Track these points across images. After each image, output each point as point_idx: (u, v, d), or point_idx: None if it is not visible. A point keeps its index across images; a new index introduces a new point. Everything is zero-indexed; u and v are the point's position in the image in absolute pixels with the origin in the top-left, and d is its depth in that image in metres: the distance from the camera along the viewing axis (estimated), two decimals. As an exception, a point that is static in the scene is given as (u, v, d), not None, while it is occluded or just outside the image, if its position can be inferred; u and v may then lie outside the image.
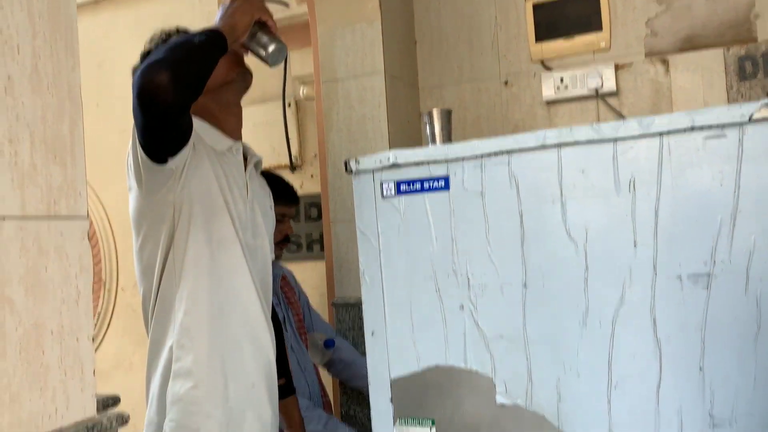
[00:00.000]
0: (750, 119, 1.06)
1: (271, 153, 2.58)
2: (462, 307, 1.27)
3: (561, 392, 1.19)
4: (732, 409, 1.09)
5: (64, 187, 0.76)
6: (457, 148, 1.27)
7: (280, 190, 2.00)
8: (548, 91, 2.10)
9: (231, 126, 1.47)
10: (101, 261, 3.00)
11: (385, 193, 1.33)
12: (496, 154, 1.24)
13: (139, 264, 1.39)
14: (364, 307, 1.36)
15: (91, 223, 3.04)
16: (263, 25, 1.41)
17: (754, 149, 1.07)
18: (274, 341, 1.46)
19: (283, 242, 1.99)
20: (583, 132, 1.17)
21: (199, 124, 1.36)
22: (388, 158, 1.32)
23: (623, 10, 2.05)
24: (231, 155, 1.43)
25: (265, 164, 2.39)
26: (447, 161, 1.28)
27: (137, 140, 1.26)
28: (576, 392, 1.18)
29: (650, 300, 1.13)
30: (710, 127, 1.09)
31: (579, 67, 2.08)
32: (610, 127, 1.16)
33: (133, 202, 1.36)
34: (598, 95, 2.04)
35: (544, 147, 1.20)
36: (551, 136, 1.19)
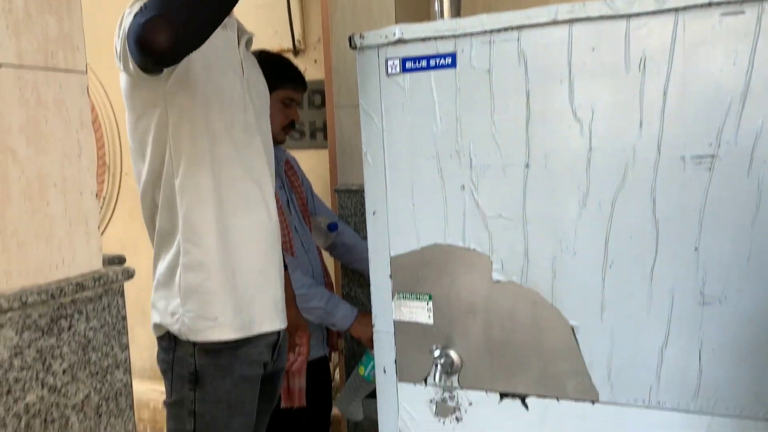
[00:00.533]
0: (771, -5, 1.02)
1: (273, 36, 2.52)
2: (463, 187, 1.27)
3: (556, 270, 1.22)
4: (723, 288, 1.11)
5: (60, 39, 0.74)
6: (466, 23, 1.23)
7: (289, 74, 1.96)
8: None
9: None
10: (105, 145, 3.00)
11: (389, 70, 1.30)
12: (505, 29, 1.20)
13: (133, 142, 1.38)
14: (365, 186, 1.37)
15: (93, 107, 3.01)
16: None
17: (772, 27, 1.03)
18: (278, 222, 1.47)
19: (288, 127, 1.97)
20: (596, 7, 1.13)
21: None
22: (394, 33, 1.28)
23: None
24: (222, 31, 1.38)
25: (267, 47, 2.33)
26: (455, 37, 1.24)
27: (129, 52, 1.19)
28: (571, 271, 1.21)
29: (652, 181, 1.13)
30: (728, 3, 1.05)
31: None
32: (624, 3, 1.11)
33: (124, 81, 1.33)
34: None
35: (555, 23, 1.16)
36: (563, 11, 1.15)
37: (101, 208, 3.13)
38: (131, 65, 1.22)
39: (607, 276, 1.18)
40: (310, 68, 2.52)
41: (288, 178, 2.03)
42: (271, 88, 1.89)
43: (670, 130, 1.11)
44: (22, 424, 0.68)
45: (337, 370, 2.55)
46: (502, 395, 1.30)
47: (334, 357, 2.38)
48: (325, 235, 2.05)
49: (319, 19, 2.26)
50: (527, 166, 1.21)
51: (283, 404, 1.90)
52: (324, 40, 2.17)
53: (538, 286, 1.24)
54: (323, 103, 2.46)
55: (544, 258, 1.23)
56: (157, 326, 1.41)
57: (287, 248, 1.88)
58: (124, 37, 1.19)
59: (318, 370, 2.04)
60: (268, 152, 1.48)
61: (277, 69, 1.91)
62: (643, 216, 1.15)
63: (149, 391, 2.89)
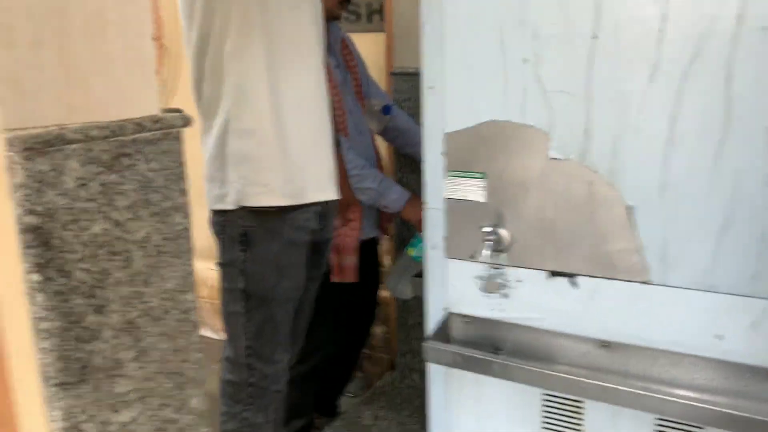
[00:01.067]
0: None
1: None
2: (525, 60, 1.22)
3: (617, 148, 1.18)
4: (794, 170, 1.06)
5: None
6: None
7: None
8: None
9: None
10: (162, 26, 2.99)
11: (452, -65, 1.23)
12: None
13: (182, 4, 1.36)
14: (422, 60, 1.33)
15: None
16: None
17: None
18: (326, 94, 1.46)
19: (345, 2, 1.91)
20: None
21: None
22: None
23: None
24: None
25: None
26: None
27: None
28: (633, 149, 1.17)
29: (729, 53, 1.06)
30: None
31: None
32: None
33: None
34: None
35: None
36: None
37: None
38: None
39: (670, 154, 1.14)
40: (369, -54, 2.41)
41: (344, 57, 1.99)
42: (329, -42, 1.82)
43: (755, -3, 1.03)
44: (89, 252, 0.71)
45: (387, 255, 2.61)
46: (551, 273, 1.30)
47: (384, 241, 2.43)
48: (379, 118, 2.03)
49: None
50: (595, 36, 1.15)
51: (334, 279, 1.96)
52: None
53: (597, 164, 1.20)
54: (381, -16, 2.37)
55: (605, 136, 1.19)
56: (210, 196, 1.45)
57: (341, 128, 1.88)
58: None
59: (369, 250, 2.08)
60: (317, 21, 1.44)
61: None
62: (715, 92, 1.08)
63: (207, 269, 3.02)
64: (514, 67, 1.23)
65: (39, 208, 0.67)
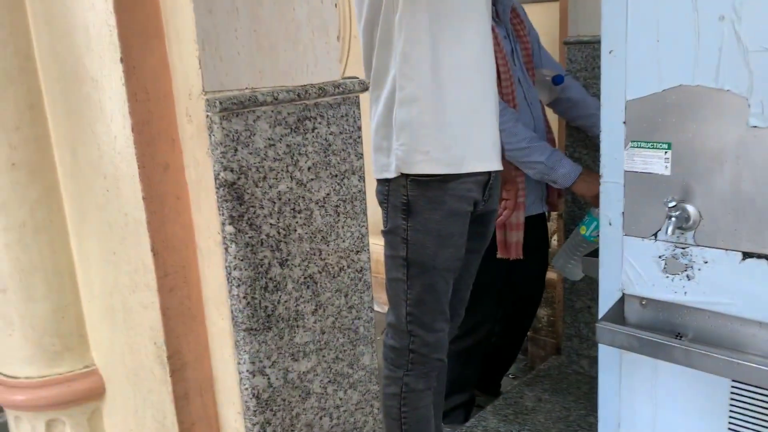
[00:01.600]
0: None
1: None
2: (722, 17, 1.11)
3: (834, 113, 1.03)
4: None
5: None
6: None
7: None
8: None
9: None
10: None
11: None
12: None
13: None
14: (602, 22, 1.26)
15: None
16: None
17: None
18: (493, 62, 1.43)
19: (514, -29, 1.86)
20: None
21: None
22: None
23: None
24: None
25: None
26: None
27: None
28: None
29: None
30: None
31: None
32: None
33: None
34: None
35: None
36: None
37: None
38: None
39: None
40: None
41: (513, 27, 1.94)
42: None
43: None
44: (276, 208, 0.76)
45: (555, 236, 2.52)
46: (746, 255, 1.17)
47: (553, 219, 2.35)
48: (550, 89, 1.95)
49: None
50: (810, -15, 1.01)
51: (499, 254, 1.93)
52: None
53: (807, 131, 1.06)
54: (556, -48, 2.26)
55: (818, 99, 1.04)
56: (377, 166, 1.49)
57: (509, 99, 1.83)
58: None
59: (536, 227, 2.03)
60: None
61: None
62: None
63: (372, 244, 3.11)
64: (708, 25, 1.12)
65: (234, 165, 0.72)
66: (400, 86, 1.37)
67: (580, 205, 2.13)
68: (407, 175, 1.42)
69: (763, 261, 1.16)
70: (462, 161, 1.42)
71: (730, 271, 1.20)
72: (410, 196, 1.42)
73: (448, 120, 1.39)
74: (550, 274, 2.35)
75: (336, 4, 0.80)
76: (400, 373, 1.54)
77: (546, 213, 2.11)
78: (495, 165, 1.47)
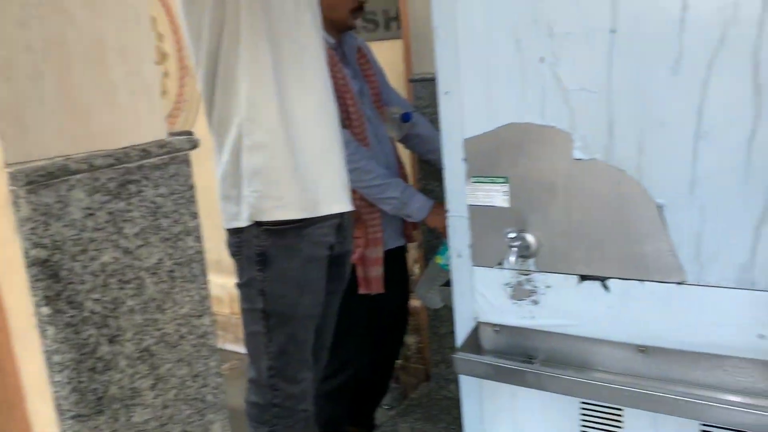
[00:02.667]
0: None
1: None
2: (542, 59, 1.19)
3: (643, 145, 1.13)
4: (833, 158, 1.00)
5: None
6: None
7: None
8: None
9: None
10: (183, 46, 3.03)
11: (461, -65, 1.21)
12: None
13: (189, 34, 1.35)
14: (437, 65, 1.31)
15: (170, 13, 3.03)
16: None
17: None
18: (335, 106, 1.44)
19: (358, 11, 1.89)
20: None
21: None
22: None
23: None
24: None
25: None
26: None
27: None
28: (659, 144, 1.12)
29: (755, 40, 1.01)
30: None
31: None
32: None
33: None
34: None
35: None
36: None
37: (182, 112, 3.20)
38: None
39: (699, 148, 1.09)
40: (383, -46, 2.40)
41: (360, 66, 1.98)
42: (338, -31, 1.81)
43: (780, -22, 0.98)
44: (99, 281, 0.71)
45: (416, 264, 2.58)
46: (582, 277, 1.26)
47: (412, 250, 2.40)
48: (399, 126, 2.01)
49: None
50: (613, 31, 1.11)
51: (361, 290, 1.94)
52: None
53: (623, 163, 1.16)
54: (397, -9, 2.35)
55: (630, 132, 1.14)
56: (225, 215, 1.45)
57: (361, 138, 1.86)
58: None
59: (395, 260, 2.06)
60: (318, 32, 1.43)
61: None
62: (743, 81, 1.03)
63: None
64: (531, 67, 1.20)
65: (46, 241, 0.66)
66: (247, 132, 1.35)
67: (437, 235, 2.20)
68: (260, 225, 1.39)
69: (597, 282, 1.24)
70: (316, 205, 1.41)
71: (570, 294, 1.27)
72: (265, 246, 1.39)
73: (300, 164, 1.38)
74: (416, 302, 2.40)
75: (157, 62, 0.76)
76: (265, 430, 1.49)
77: (405, 245, 2.15)
78: (347, 206, 1.48)
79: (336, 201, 1.45)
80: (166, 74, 3.26)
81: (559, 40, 1.16)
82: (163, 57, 3.26)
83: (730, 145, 1.07)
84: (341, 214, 1.49)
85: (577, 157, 1.19)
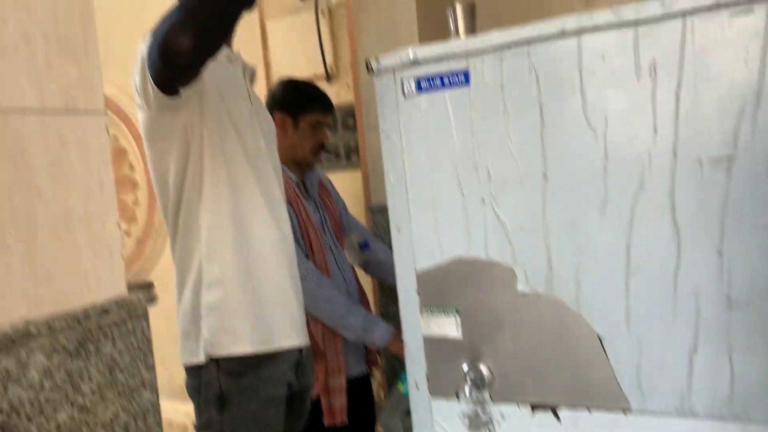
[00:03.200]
0: (778, -8, 1.01)
1: (307, 64, 2.59)
2: (483, 200, 1.29)
3: (580, 279, 1.22)
4: (749, 291, 1.09)
5: (80, 83, 0.80)
6: (477, 41, 1.26)
7: (315, 98, 2.02)
8: (585, -16, 2.01)
9: None
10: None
11: (406, 91, 1.34)
12: (515, 44, 1.22)
13: (156, 181, 1.44)
14: (389, 204, 1.40)
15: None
16: None
17: (782, 24, 1.02)
18: (293, 242, 1.52)
19: (318, 150, 2.02)
20: (602, 17, 1.14)
21: None
22: (408, 55, 1.32)
23: None
24: (229, 65, 1.45)
25: (300, 75, 2.40)
26: (467, 55, 1.27)
27: (148, 71, 1.26)
28: (595, 279, 1.20)
29: (670, 185, 1.12)
30: (736, 3, 1.04)
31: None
32: (630, 10, 1.12)
33: (144, 120, 1.40)
34: (637, -16, 1.94)
35: (563, 34, 1.17)
36: (570, 22, 1.16)
37: (151, 239, 3.27)
38: (151, 90, 1.27)
39: (630, 283, 1.18)
40: (344, 92, 2.58)
41: (322, 199, 2.08)
42: (300, 112, 1.96)
43: (684, 133, 1.10)
44: (54, 441, 0.73)
45: (380, 389, 2.57)
46: (534, 407, 1.29)
47: (377, 375, 2.40)
48: (358, 253, 2.09)
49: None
50: (545, 176, 1.22)
51: (325, 422, 1.93)
52: (352, 64, 2.22)
53: (563, 295, 1.23)
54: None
55: (567, 268, 1.23)
56: (184, 353, 1.47)
57: (323, 268, 1.92)
58: (143, 63, 1.26)
59: (359, 388, 2.07)
60: (278, 176, 1.53)
61: (303, 94, 1.98)
62: (663, 221, 1.14)
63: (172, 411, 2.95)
64: (473, 207, 1.30)
65: (4, 405, 0.69)
66: (206, 269, 1.41)
67: (400, 362, 2.23)
68: (218, 365, 1.41)
69: (548, 411, 1.28)
70: (271, 338, 1.44)
71: (524, 424, 1.30)
72: (223, 387, 1.41)
73: (255, 299, 1.43)
74: (379, 430, 2.38)
75: (119, 224, 0.83)
76: None
77: (368, 372, 2.17)
78: (303, 340, 1.52)
79: (291, 335, 1.48)
80: (135, 202, 3.35)
81: (497, 184, 1.26)
82: (133, 185, 3.36)
83: (657, 279, 1.15)
84: (299, 350, 1.52)
85: (521, 291, 1.27)
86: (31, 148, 0.74)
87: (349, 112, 2.54)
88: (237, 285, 1.40)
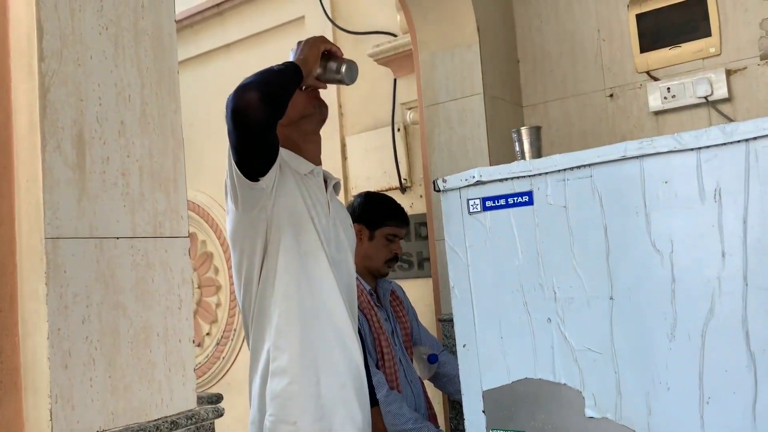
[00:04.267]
0: (843, 120, 1.01)
1: (383, 176, 2.71)
2: (549, 320, 1.28)
3: (651, 406, 1.17)
4: (836, 427, 1.02)
5: (168, 211, 0.89)
6: (540, 164, 1.30)
7: (391, 212, 2.10)
8: (655, 102, 2.04)
9: (311, 153, 1.59)
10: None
11: (471, 209, 1.38)
12: (578, 167, 1.25)
13: (237, 279, 1.53)
14: (455, 320, 1.41)
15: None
16: (331, 55, 1.54)
17: None
18: (362, 349, 1.54)
19: (392, 261, 2.08)
20: (664, 142, 1.16)
21: (283, 151, 1.49)
22: (473, 176, 1.37)
23: (733, 13, 1.95)
24: (312, 177, 1.55)
25: (377, 187, 2.52)
26: (530, 176, 1.31)
27: (232, 160, 1.39)
28: (666, 406, 1.16)
29: (742, 312, 1.09)
30: (800, 129, 1.05)
31: (687, 75, 2.00)
32: (692, 137, 1.14)
33: (231, 222, 1.50)
34: (708, 102, 1.96)
35: (625, 159, 1.20)
36: (632, 147, 1.19)
37: (230, 341, 3.37)
38: (236, 178, 1.39)
39: (705, 412, 1.12)
40: (417, 203, 2.66)
41: (393, 309, 2.11)
42: (377, 224, 2.03)
43: (754, 259, 1.08)
44: None
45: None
46: None
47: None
48: (427, 366, 2.08)
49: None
50: (611, 298, 1.21)
51: None
52: (425, 178, 2.31)
53: (634, 423, 1.19)
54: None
55: (637, 393, 1.19)
56: None
57: (392, 380, 1.92)
58: (229, 159, 1.39)
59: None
60: (350, 288, 1.58)
61: (380, 207, 2.06)
62: (737, 348, 1.10)
63: None
64: (540, 326, 1.29)
65: None
66: (273, 358, 1.45)
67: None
68: None
69: None
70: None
71: None
72: None
73: (317, 392, 1.44)
74: None
75: (193, 339, 0.89)
76: None
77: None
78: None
79: (351, 432, 1.47)
80: (218, 305, 3.50)
81: (563, 303, 1.26)
82: (217, 289, 3.52)
83: (735, 409, 1.10)
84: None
85: (589, 415, 1.23)
86: (120, 270, 0.82)
87: (422, 222, 2.61)
88: (301, 375, 1.42)
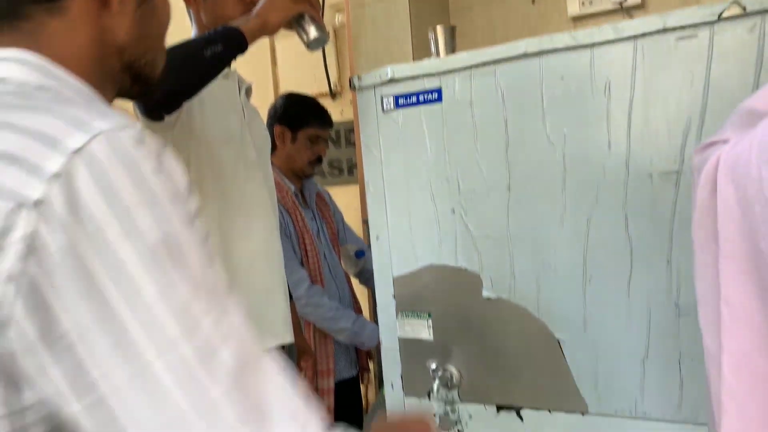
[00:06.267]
0: (719, 18, 1.08)
1: (313, 81, 2.70)
2: (453, 210, 1.36)
3: (540, 287, 1.28)
4: (695, 298, 1.15)
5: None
6: (448, 61, 1.35)
7: (314, 112, 2.12)
8: (573, 7, 2.09)
9: None
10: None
11: (385, 107, 1.43)
12: (483, 64, 1.30)
13: None
14: (368, 214, 1.48)
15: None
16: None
17: (724, 47, 1.09)
18: (280, 248, 1.61)
19: (315, 162, 2.12)
20: (561, 39, 1.22)
21: None
22: (387, 73, 1.41)
23: None
24: (224, 81, 1.54)
25: (306, 92, 2.51)
26: (439, 74, 1.36)
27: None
28: (554, 287, 1.27)
29: (623, 198, 1.19)
30: (682, 27, 1.12)
31: (604, -19, 2.05)
32: (586, 34, 1.20)
33: None
34: (622, 8, 2.02)
35: (526, 56, 1.25)
36: (532, 44, 1.25)
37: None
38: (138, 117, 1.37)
39: (587, 291, 1.24)
40: (347, 109, 2.68)
41: (319, 209, 2.17)
42: (299, 126, 2.06)
43: (636, 148, 1.17)
44: None
45: (371, 390, 2.64)
46: (499, 408, 1.36)
47: (368, 378, 2.47)
48: (354, 262, 2.17)
49: (353, 64, 2.41)
50: (509, 188, 1.30)
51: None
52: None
53: (526, 301, 1.30)
54: (358, 141, 2.61)
55: (529, 275, 1.30)
56: None
57: (316, 275, 2.01)
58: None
59: (348, 390, 2.14)
60: (270, 186, 1.62)
61: (302, 108, 2.09)
62: (616, 232, 1.20)
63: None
64: (444, 217, 1.38)
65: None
66: None
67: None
68: None
69: (512, 412, 1.34)
70: (259, 339, 1.52)
71: (490, 424, 1.37)
72: None
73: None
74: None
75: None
76: None
77: (358, 375, 2.24)
78: (287, 338, 1.60)
79: (275, 335, 1.56)
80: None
81: (465, 195, 1.34)
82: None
83: (612, 288, 1.22)
84: (282, 347, 1.60)
85: (487, 296, 1.34)
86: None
87: (352, 129, 2.64)
88: None
